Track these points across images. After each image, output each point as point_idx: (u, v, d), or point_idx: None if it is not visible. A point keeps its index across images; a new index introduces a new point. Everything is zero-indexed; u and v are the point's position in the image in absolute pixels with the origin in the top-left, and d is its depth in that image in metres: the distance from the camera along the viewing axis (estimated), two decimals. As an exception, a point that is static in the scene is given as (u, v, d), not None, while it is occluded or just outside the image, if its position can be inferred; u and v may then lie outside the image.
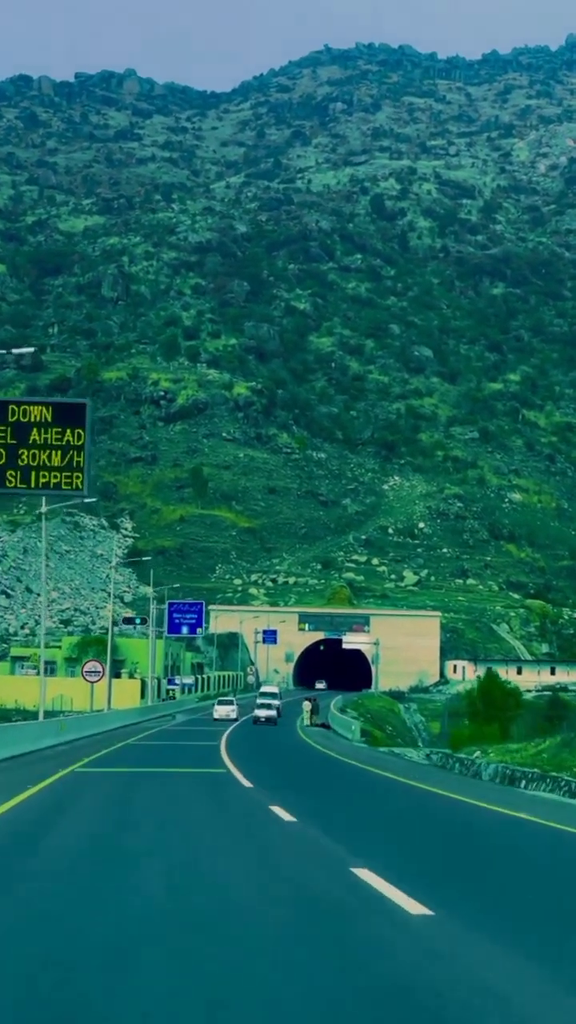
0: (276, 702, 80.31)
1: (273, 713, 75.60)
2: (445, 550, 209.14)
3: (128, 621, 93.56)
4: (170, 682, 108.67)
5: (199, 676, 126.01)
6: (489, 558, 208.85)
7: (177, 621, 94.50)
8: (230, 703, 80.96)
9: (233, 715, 77.11)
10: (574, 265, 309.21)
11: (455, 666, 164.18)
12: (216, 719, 75.91)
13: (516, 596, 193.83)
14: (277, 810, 21.04)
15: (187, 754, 44.15)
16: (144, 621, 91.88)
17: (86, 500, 46.34)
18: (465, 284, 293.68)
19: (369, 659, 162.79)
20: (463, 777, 38.65)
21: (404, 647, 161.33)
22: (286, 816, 20.08)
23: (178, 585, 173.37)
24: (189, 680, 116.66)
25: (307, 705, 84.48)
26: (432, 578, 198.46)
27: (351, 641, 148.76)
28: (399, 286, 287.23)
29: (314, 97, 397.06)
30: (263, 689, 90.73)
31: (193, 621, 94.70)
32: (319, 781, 34.16)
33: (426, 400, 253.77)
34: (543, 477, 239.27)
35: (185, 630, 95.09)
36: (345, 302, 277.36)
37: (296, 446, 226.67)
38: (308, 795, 26.78)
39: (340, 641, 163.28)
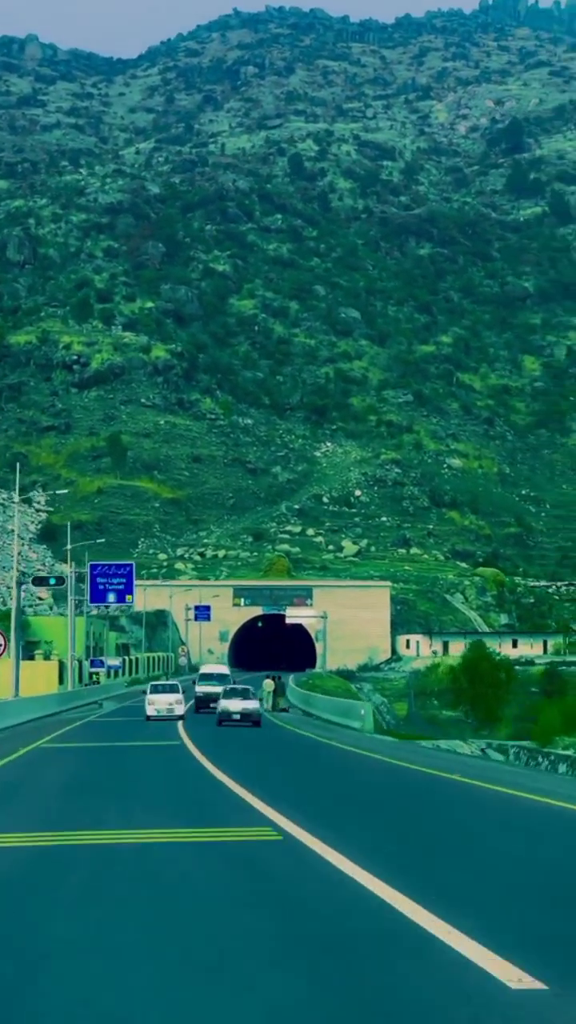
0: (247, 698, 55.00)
1: (251, 706, 48.53)
2: (384, 519, 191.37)
3: (39, 581, 74.02)
4: (93, 664, 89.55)
5: (126, 658, 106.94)
6: (432, 526, 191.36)
7: (102, 587, 75.46)
8: (173, 690, 54.22)
9: (179, 710, 52.03)
10: (501, 226, 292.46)
11: (408, 641, 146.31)
12: (150, 717, 51.22)
13: (464, 565, 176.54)
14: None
15: (140, 769, 25.93)
16: (60, 581, 72.61)
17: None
18: (390, 245, 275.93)
19: (313, 636, 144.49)
20: None
21: (351, 621, 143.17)
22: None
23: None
24: (116, 662, 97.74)
25: (268, 684, 66.16)
26: (372, 548, 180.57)
27: (295, 616, 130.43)
28: (322, 247, 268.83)
29: (224, 61, 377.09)
30: (209, 670, 67.44)
31: (121, 587, 75.67)
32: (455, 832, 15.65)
33: (355, 363, 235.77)
34: (482, 441, 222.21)
35: (112, 598, 76.02)
36: (266, 263, 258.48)
37: (221, 412, 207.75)
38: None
39: (280, 617, 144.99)
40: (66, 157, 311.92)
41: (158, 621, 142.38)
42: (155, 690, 54.76)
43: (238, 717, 47.37)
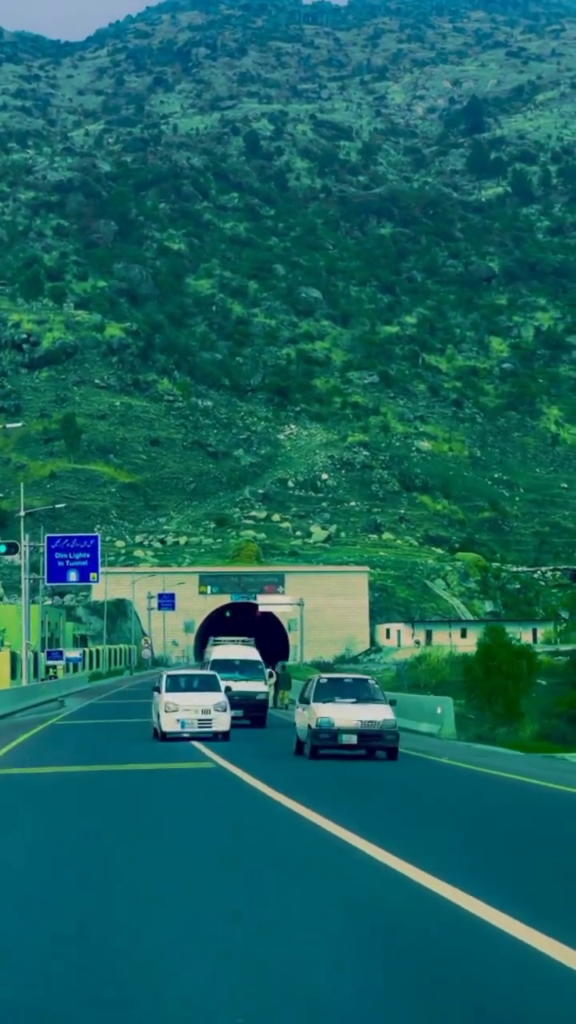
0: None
1: (381, 716, 26.65)
2: (353, 503, 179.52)
3: (-14, 550, 61.39)
4: (51, 656, 76.97)
5: (86, 650, 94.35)
6: (403, 511, 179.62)
7: (61, 564, 63.00)
8: (209, 685, 34.10)
9: (221, 723, 32.80)
10: (462, 206, 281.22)
11: (387, 630, 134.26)
12: (168, 736, 32.28)
13: (440, 551, 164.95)
14: None
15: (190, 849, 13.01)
16: (12, 548, 59.91)
17: None
18: (351, 224, 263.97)
19: (285, 625, 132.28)
20: None
21: (326, 609, 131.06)
22: None
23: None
24: (76, 654, 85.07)
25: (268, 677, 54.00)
26: (343, 534, 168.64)
27: (268, 603, 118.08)
28: (280, 226, 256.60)
29: (175, 43, 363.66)
30: (228, 654, 44.10)
31: (85, 563, 63.27)
32: None
33: (318, 344, 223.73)
34: (451, 424, 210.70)
35: (74, 576, 63.49)
36: (223, 242, 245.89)
37: (179, 393, 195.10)
38: None
39: (250, 606, 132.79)
40: (13, 138, 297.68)
41: (118, 611, 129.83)
42: (176, 685, 34.06)
43: (355, 741, 26.31)
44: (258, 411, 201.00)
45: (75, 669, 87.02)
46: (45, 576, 64.07)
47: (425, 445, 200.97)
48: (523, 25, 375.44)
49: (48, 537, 64.95)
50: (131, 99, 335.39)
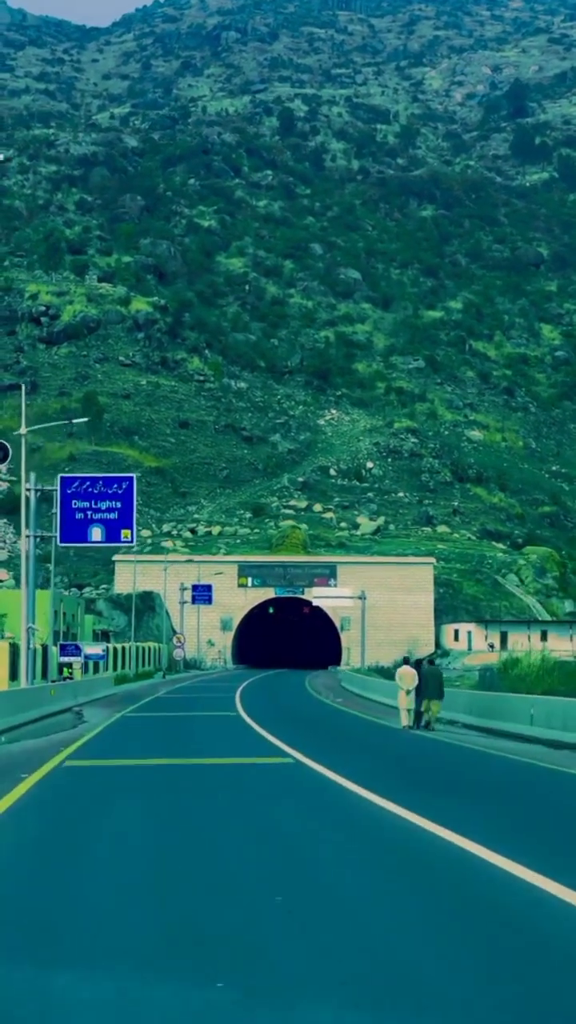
0: None
1: None
2: (402, 494, 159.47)
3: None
4: (65, 651, 57.12)
5: (109, 646, 74.46)
6: (456, 503, 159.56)
7: (81, 516, 43.39)
8: None
9: None
10: (506, 191, 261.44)
11: (455, 631, 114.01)
12: None
13: (501, 547, 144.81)
14: None
15: None
16: (2, 452, 40.14)
17: None
18: (390, 206, 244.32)
19: (338, 624, 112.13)
20: None
21: (385, 607, 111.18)
22: None
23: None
24: (98, 650, 65.18)
25: (407, 675, 33.97)
26: (392, 526, 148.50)
27: (323, 596, 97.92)
28: (317, 205, 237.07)
29: (204, 27, 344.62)
30: None
31: (114, 517, 43.62)
32: None
33: (358, 327, 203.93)
34: (503, 413, 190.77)
35: (98, 533, 43.86)
36: (256, 220, 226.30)
37: (210, 373, 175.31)
38: None
39: (296, 602, 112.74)
40: (35, 119, 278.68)
41: (145, 605, 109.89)
42: None
43: None
44: (296, 394, 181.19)
45: (96, 669, 67.17)
46: (58, 534, 44.18)
47: (476, 434, 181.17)
48: (563, 14, 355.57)
49: (62, 478, 45.13)
50: (158, 83, 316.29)
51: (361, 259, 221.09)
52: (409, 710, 33.20)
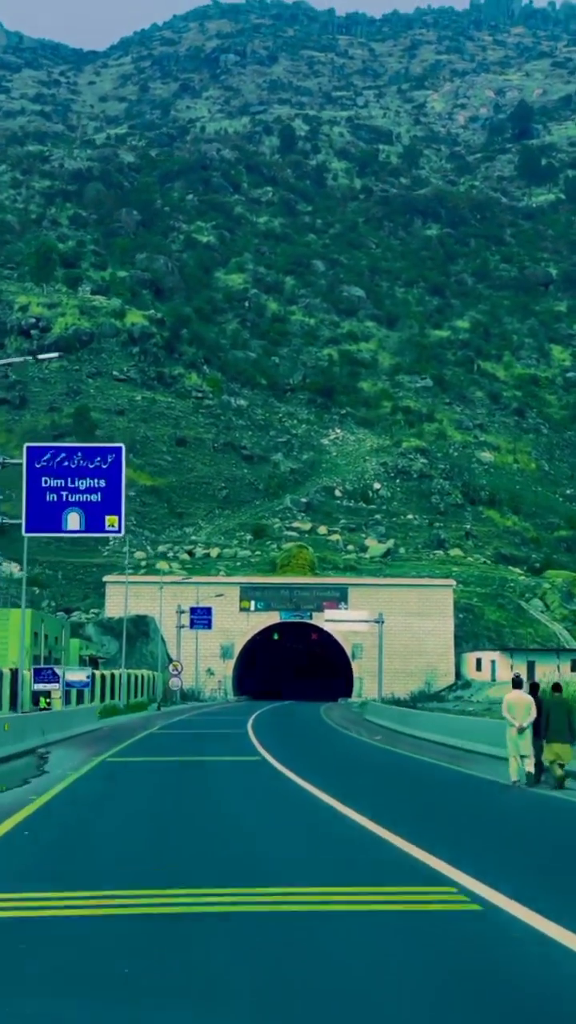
0: None
1: None
2: (411, 516, 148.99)
3: None
4: (40, 676, 46.38)
5: (95, 672, 63.69)
6: (468, 526, 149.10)
7: (53, 499, 32.69)
8: None
9: None
10: (512, 211, 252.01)
11: (477, 660, 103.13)
12: None
13: (518, 572, 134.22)
14: None
15: None
16: None
17: None
18: (394, 224, 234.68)
19: (349, 652, 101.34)
20: None
21: (401, 633, 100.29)
22: None
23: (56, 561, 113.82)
24: (81, 677, 54.37)
25: (519, 706, 23.19)
26: (402, 549, 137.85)
27: (337, 620, 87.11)
28: (319, 222, 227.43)
29: (203, 50, 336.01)
30: None
31: (95, 500, 32.98)
32: None
33: (362, 345, 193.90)
34: (514, 434, 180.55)
35: (75, 520, 33.22)
36: (256, 237, 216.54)
37: (209, 389, 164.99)
38: None
39: (304, 627, 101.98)
40: (30, 138, 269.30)
41: (138, 631, 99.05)
42: None
43: None
44: (299, 413, 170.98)
45: (80, 699, 56.37)
46: (23, 521, 33.46)
47: (487, 456, 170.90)
48: (566, 39, 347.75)
49: (28, 448, 34.50)
50: (156, 104, 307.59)
51: (365, 277, 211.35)
52: (524, 757, 22.48)
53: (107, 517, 33.36)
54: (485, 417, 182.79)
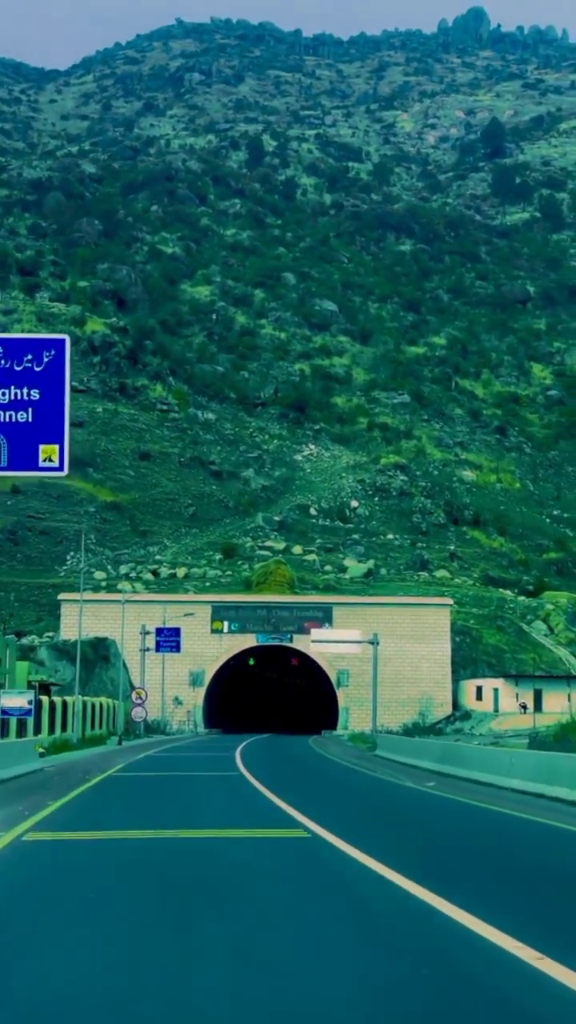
0: None
1: None
2: (391, 536, 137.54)
3: None
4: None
5: (44, 699, 51.46)
6: (452, 547, 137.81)
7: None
8: None
9: None
10: (486, 229, 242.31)
11: (478, 688, 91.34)
12: None
13: (510, 594, 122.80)
14: None
15: None
16: None
17: None
18: (367, 239, 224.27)
19: (333, 679, 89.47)
20: None
21: (393, 657, 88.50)
22: None
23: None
24: (21, 702, 42.25)
25: None
26: (383, 570, 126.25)
27: (322, 639, 75.34)
28: (288, 235, 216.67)
29: (167, 69, 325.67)
30: None
31: (26, 419, 21.01)
32: None
33: (336, 360, 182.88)
34: (496, 453, 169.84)
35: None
36: (224, 249, 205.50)
37: (175, 402, 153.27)
38: None
39: (283, 651, 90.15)
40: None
41: (97, 655, 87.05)
42: None
43: None
44: (270, 428, 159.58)
45: (21, 731, 44.24)
46: None
47: (469, 475, 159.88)
48: (536, 63, 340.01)
49: None
50: (119, 123, 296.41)
51: (337, 291, 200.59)
52: None
53: (42, 447, 21.52)
54: (466, 435, 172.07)
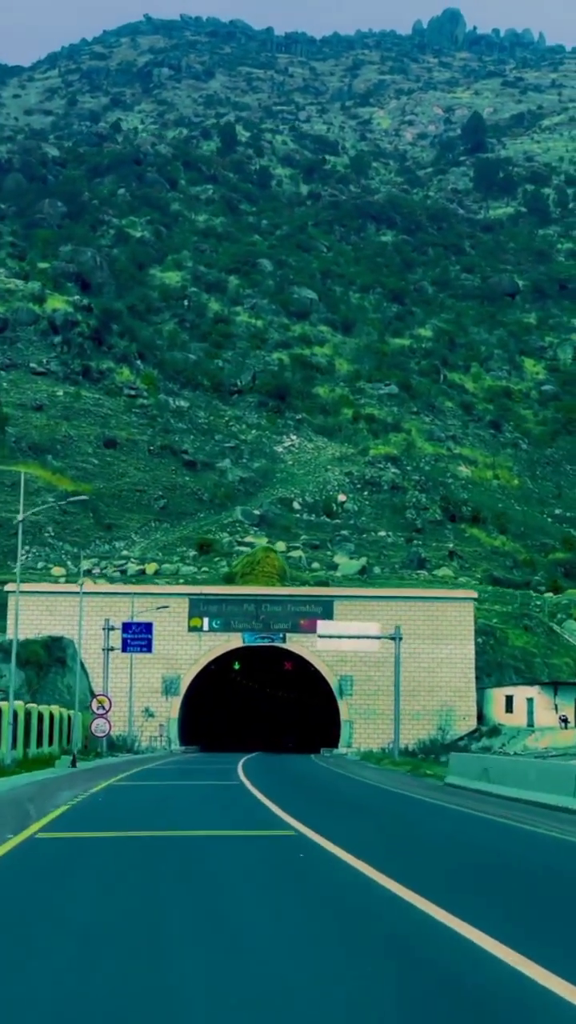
0: None
1: None
2: (384, 533, 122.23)
3: None
4: None
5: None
6: (451, 545, 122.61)
7: None
8: None
9: None
10: (469, 223, 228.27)
11: (507, 698, 75.66)
12: None
13: (533, 592, 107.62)
14: None
15: None
16: None
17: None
18: (347, 228, 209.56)
19: (334, 686, 73.67)
20: None
21: (407, 660, 72.66)
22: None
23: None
24: None
25: None
26: (376, 568, 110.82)
27: (330, 633, 59.47)
28: (264, 223, 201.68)
29: (135, 64, 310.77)
30: None
31: None
32: None
33: (317, 349, 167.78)
34: (492, 447, 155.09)
35: None
36: (195, 234, 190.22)
37: (144, 387, 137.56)
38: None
39: (276, 652, 74.33)
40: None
41: (51, 657, 71.32)
42: None
43: None
44: (248, 417, 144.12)
45: None
46: None
47: (464, 470, 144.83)
48: (513, 64, 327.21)
49: None
50: (85, 117, 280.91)
51: (316, 280, 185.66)
52: None
53: None
54: (458, 429, 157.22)
